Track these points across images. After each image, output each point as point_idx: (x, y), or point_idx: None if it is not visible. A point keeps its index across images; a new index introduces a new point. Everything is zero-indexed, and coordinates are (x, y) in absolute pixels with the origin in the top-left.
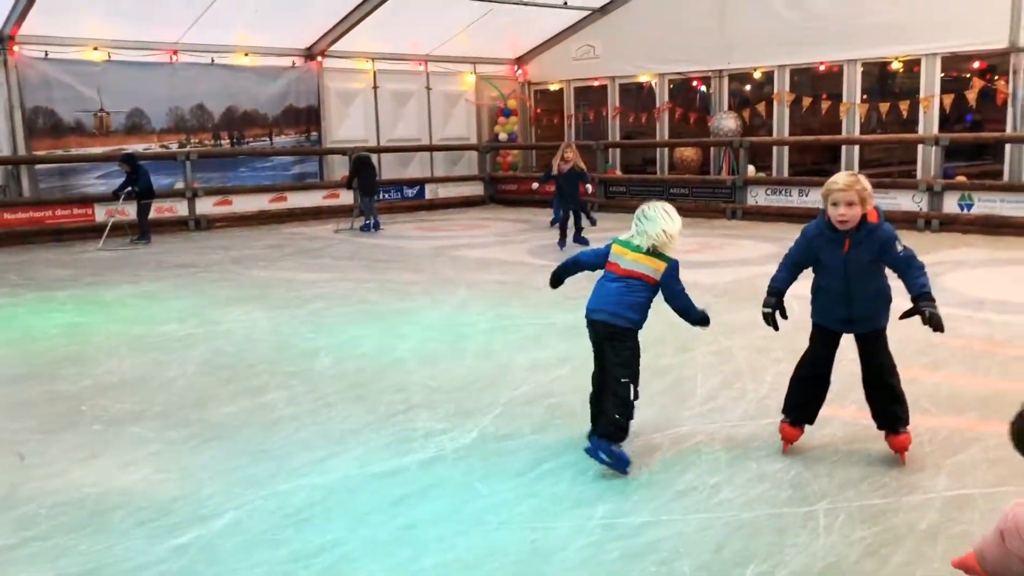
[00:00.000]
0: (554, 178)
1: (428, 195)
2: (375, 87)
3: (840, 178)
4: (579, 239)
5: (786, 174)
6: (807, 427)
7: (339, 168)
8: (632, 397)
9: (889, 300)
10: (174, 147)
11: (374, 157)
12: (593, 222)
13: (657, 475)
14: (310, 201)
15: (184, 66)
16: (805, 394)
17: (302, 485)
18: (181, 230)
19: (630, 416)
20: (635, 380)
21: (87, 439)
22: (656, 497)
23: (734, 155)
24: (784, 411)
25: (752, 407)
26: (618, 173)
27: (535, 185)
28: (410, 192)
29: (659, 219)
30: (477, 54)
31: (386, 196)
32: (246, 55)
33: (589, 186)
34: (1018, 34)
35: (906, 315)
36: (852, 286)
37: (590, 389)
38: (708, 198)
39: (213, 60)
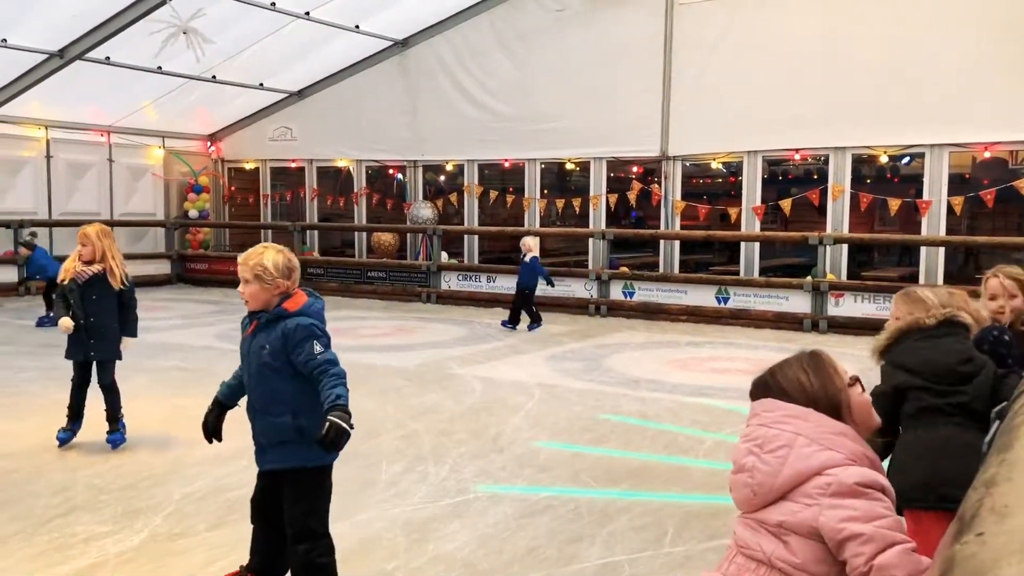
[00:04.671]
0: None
1: None
2: (48, 156)
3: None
4: (109, 396)
5: (476, 261)
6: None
7: (3, 243)
8: None
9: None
10: None
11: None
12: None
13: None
14: None
15: None
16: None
17: None
18: None
19: None
20: None
21: None
22: None
23: (429, 242)
24: None
25: (432, 489)
26: (316, 255)
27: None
28: None
29: None
30: (167, 128)
31: None
32: None
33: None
34: (667, 145)
35: (320, 442)
36: (251, 385)
37: None
38: (404, 282)
39: None
